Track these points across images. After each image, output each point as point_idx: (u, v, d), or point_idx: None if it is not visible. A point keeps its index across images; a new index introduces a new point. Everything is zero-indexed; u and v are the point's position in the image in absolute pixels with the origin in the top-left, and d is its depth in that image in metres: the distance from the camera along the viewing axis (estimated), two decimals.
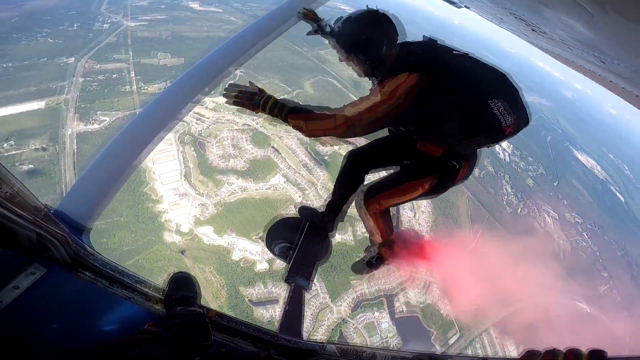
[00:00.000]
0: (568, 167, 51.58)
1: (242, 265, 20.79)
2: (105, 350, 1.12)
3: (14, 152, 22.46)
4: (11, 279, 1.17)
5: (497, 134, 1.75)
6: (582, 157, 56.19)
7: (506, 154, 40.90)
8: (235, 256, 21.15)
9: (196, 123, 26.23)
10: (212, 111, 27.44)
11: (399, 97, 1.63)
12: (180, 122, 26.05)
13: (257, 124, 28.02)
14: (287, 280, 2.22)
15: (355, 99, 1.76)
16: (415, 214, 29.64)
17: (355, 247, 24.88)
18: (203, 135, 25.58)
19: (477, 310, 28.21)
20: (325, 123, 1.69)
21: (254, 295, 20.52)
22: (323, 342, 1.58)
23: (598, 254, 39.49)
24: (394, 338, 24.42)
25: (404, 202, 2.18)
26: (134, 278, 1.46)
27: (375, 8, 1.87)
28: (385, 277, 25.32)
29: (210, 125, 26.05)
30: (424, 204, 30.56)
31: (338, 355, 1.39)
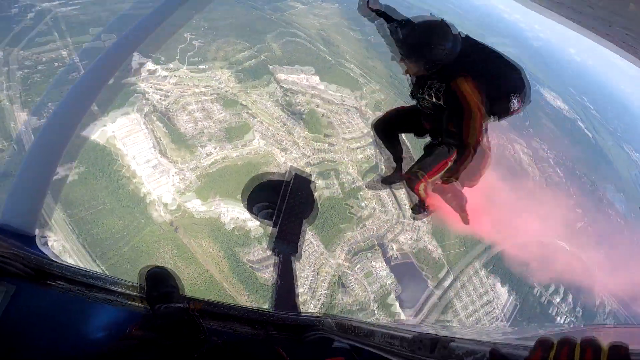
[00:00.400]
0: (538, 108, 54.92)
1: (236, 233, 21.30)
2: None
3: None
4: None
5: (506, 116, 2.38)
6: (551, 99, 59.91)
7: None
8: (228, 224, 21.65)
9: (160, 99, 25.45)
10: (176, 85, 26.68)
11: (479, 100, 2.11)
12: (144, 100, 25.19)
13: (225, 89, 27.53)
14: (274, 249, 2.11)
15: (459, 128, 2.17)
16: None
17: (342, 197, 25.96)
18: (170, 110, 24.90)
19: (466, 251, 30.78)
20: (468, 161, 2.10)
21: (255, 259, 21.32)
22: (319, 316, 1.55)
23: (571, 190, 43.59)
24: (393, 284, 26.37)
25: (437, 177, 2.61)
26: (109, 280, 1.40)
27: (439, 18, 2.20)
28: (374, 225, 26.90)
29: (176, 99, 25.37)
30: (405, 148, 32.08)
31: (335, 329, 1.36)
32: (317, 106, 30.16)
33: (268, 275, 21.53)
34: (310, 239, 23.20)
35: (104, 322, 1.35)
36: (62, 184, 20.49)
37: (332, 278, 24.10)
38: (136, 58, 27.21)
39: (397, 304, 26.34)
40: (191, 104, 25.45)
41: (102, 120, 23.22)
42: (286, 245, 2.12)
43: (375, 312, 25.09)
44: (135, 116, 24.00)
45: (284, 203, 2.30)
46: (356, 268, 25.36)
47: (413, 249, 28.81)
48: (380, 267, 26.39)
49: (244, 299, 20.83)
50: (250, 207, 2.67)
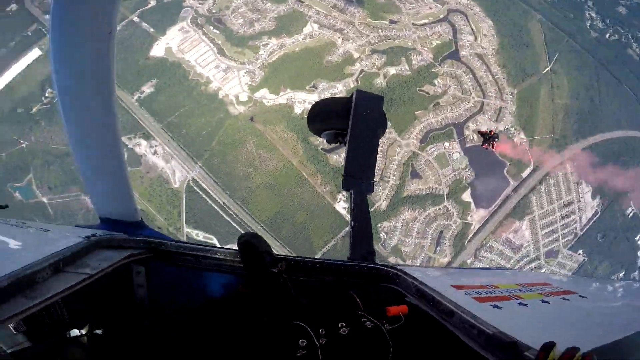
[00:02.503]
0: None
1: (305, 116, 23.12)
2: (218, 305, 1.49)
3: None
4: (130, 282, 1.57)
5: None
6: None
7: None
8: (297, 109, 23.72)
9: (199, 4, 26.03)
10: None
11: None
12: (184, 9, 26.25)
13: None
14: (345, 187, 2.00)
15: None
16: (476, 38, 27.39)
17: (412, 77, 24.99)
18: (214, 11, 25.72)
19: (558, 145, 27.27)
20: None
21: (324, 142, 23.46)
22: (395, 268, 1.57)
23: None
24: (466, 170, 25.99)
25: None
26: (214, 250, 1.65)
27: None
28: (452, 106, 25.79)
29: (226, 4, 25.83)
30: (486, 27, 27.71)
31: (414, 293, 1.37)
32: None
33: (338, 158, 23.49)
34: None
35: (219, 285, 1.68)
36: (150, 99, 23.94)
37: (402, 159, 24.71)
38: None
39: (469, 194, 26.38)
40: (241, 6, 25.93)
41: (163, 40, 25.36)
42: (360, 183, 2.01)
43: (446, 201, 25.68)
44: (190, 27, 25.62)
45: (353, 135, 2.08)
46: (428, 149, 25.31)
47: (491, 130, 27.08)
48: (453, 149, 25.86)
49: (318, 182, 23.72)
50: (318, 134, 2.65)
